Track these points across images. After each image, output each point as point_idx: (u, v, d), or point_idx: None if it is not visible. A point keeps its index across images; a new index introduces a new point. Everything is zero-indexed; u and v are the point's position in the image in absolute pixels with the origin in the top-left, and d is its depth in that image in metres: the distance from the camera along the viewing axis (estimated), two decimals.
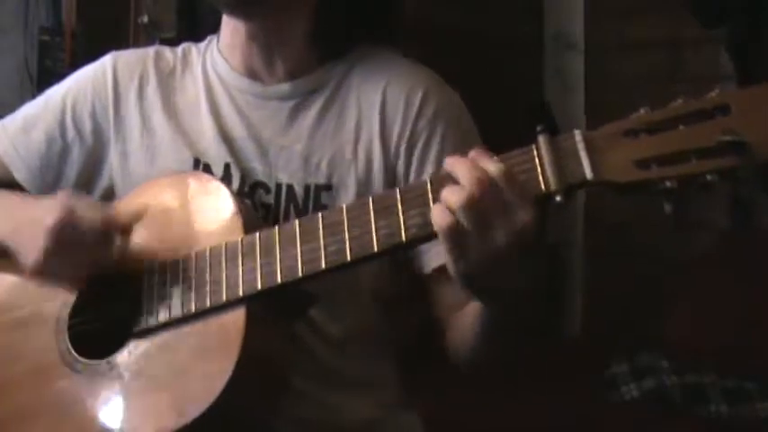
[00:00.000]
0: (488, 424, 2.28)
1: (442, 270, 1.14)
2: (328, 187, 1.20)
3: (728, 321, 2.55)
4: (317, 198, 1.19)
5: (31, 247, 1.08)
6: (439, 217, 0.91)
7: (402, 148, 1.20)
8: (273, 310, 1.07)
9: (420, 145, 1.20)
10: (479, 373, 1.21)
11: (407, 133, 1.20)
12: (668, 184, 0.85)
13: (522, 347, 1.15)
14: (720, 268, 2.69)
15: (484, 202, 0.90)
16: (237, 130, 1.23)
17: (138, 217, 1.14)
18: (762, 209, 2.81)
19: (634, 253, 3.10)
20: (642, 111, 0.88)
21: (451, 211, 0.90)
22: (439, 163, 1.17)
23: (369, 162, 1.20)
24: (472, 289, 0.98)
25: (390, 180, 1.20)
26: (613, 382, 2.56)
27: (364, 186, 1.19)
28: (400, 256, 1.18)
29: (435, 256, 1.16)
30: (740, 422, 2.36)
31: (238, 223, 1.09)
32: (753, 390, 2.41)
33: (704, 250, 2.86)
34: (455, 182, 0.91)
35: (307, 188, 1.20)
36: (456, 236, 0.91)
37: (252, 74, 1.25)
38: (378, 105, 1.21)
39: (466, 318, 1.12)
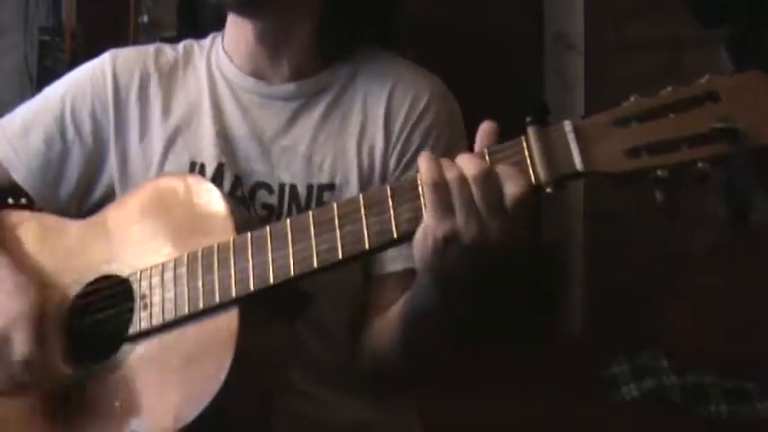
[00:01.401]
0: (488, 424, 2.28)
1: (393, 275, 1.17)
2: (331, 187, 1.20)
3: (729, 321, 2.55)
4: (319, 198, 1.19)
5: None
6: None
7: (396, 150, 1.21)
8: (268, 311, 1.06)
9: (410, 153, 1.20)
10: (385, 379, 1.20)
11: (403, 138, 1.21)
12: (660, 173, 0.85)
13: (441, 352, 1.14)
14: (721, 267, 2.69)
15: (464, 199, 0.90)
16: (239, 129, 1.23)
17: (129, 225, 1.15)
18: (758, 202, 2.81)
19: (635, 252, 3.10)
20: (632, 99, 0.88)
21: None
22: None
23: (371, 162, 1.20)
24: (432, 271, 0.97)
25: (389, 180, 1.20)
26: (613, 382, 2.56)
27: (367, 186, 1.19)
28: None
29: (391, 260, 1.17)
30: (740, 422, 2.36)
31: (230, 225, 1.08)
32: (753, 390, 2.41)
33: (705, 249, 2.86)
34: None
35: (309, 188, 1.20)
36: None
37: (257, 73, 1.24)
38: (383, 107, 1.22)
39: (390, 314, 1.12)
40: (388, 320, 1.13)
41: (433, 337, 1.09)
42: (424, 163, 0.92)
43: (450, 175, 0.91)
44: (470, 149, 0.96)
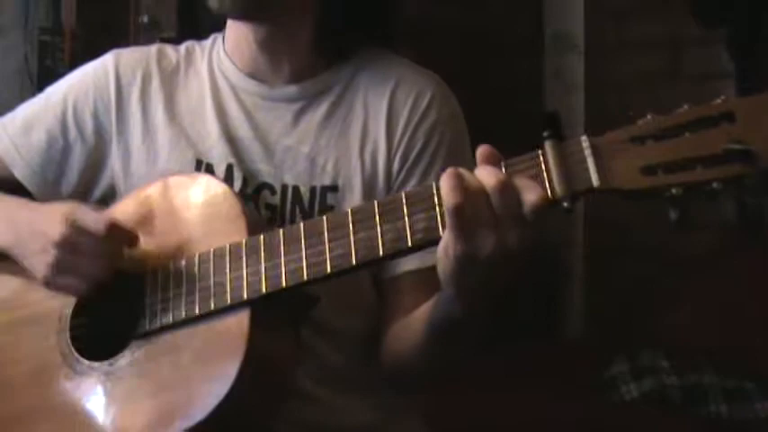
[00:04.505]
0: (488, 424, 2.28)
1: (406, 275, 1.17)
2: (334, 188, 1.20)
3: (729, 321, 2.55)
4: (323, 200, 1.20)
5: (38, 261, 1.12)
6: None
7: (399, 152, 1.21)
8: (277, 313, 1.06)
9: (414, 153, 1.20)
10: (408, 384, 1.21)
11: (407, 138, 1.21)
12: (674, 191, 0.85)
13: (467, 358, 1.14)
14: (720, 268, 2.69)
15: (474, 212, 0.90)
16: (243, 130, 1.23)
17: (139, 223, 1.15)
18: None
19: (635, 252, 3.10)
20: (649, 117, 0.88)
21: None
22: (425, 174, 1.19)
23: (374, 163, 1.21)
24: (455, 285, 0.97)
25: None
26: (613, 382, 2.56)
27: (370, 188, 1.19)
28: None
29: (403, 260, 1.16)
30: (740, 422, 2.36)
31: (242, 225, 1.08)
32: (753, 390, 2.41)
33: (704, 250, 2.86)
34: None
35: (312, 189, 1.20)
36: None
37: (259, 76, 1.25)
38: (385, 107, 1.22)
39: (414, 320, 1.12)
40: (411, 326, 1.12)
41: (460, 344, 1.09)
42: (445, 184, 0.91)
43: (472, 193, 0.90)
44: (472, 150, 0.96)
